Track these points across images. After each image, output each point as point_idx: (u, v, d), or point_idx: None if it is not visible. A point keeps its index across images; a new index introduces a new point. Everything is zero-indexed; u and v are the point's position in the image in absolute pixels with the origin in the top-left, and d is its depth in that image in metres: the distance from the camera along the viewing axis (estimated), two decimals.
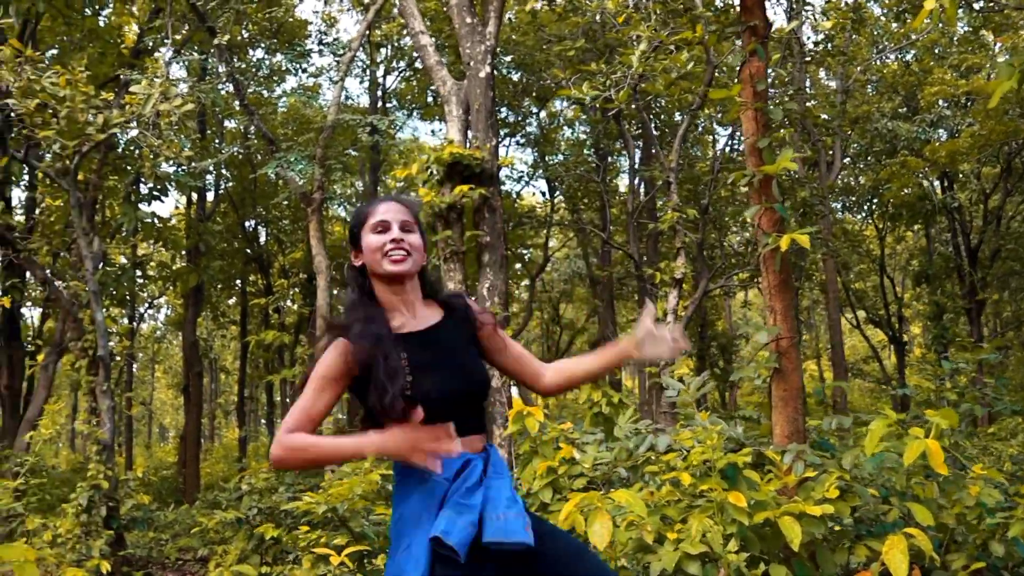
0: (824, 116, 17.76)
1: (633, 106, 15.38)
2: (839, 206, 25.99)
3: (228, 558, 9.47)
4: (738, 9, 6.47)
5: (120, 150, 13.80)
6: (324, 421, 3.01)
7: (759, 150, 6.00)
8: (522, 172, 24.73)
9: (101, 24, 17.80)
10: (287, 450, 2.77)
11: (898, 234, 27.88)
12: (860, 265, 28.27)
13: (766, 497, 5.36)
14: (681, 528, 5.13)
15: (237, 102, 13.90)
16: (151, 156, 9.63)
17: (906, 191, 22.25)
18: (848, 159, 22.83)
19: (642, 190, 20.30)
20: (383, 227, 2.99)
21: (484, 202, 10.59)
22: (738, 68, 6.18)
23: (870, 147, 21.71)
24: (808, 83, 22.16)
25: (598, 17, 12.30)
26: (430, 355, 2.95)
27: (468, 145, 10.93)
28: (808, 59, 15.84)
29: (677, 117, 18.74)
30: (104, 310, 10.06)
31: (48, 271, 11.05)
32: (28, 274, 13.09)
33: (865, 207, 26.18)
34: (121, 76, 11.61)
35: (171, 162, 11.72)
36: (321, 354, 2.93)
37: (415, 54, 13.85)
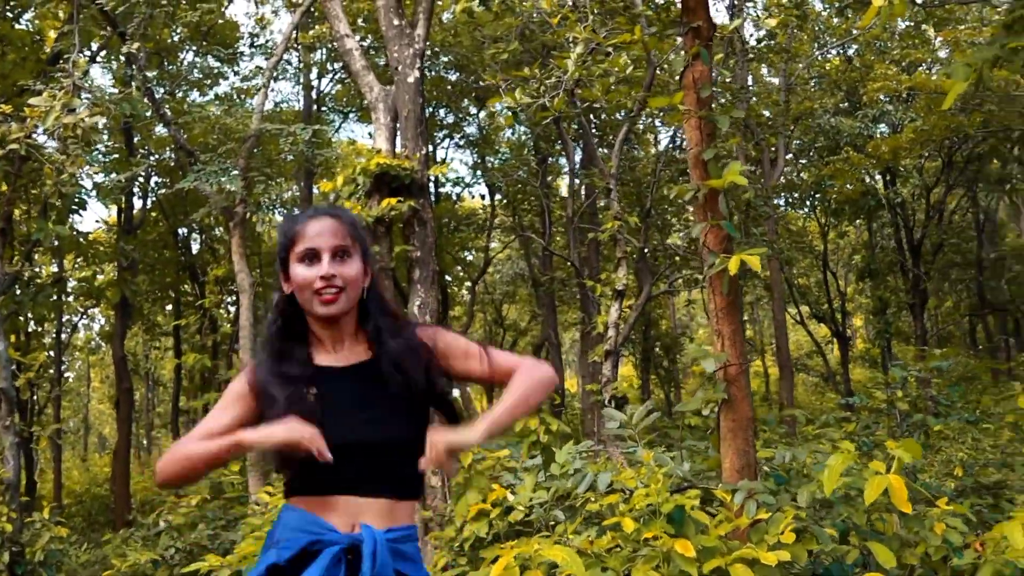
0: (766, 114, 17.43)
1: (574, 111, 14.93)
2: (782, 203, 25.81)
3: None
4: (679, 8, 6.01)
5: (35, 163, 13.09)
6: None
7: (704, 162, 5.54)
8: (461, 175, 24.30)
9: (21, 29, 17.01)
10: (164, 460, 2.52)
11: (841, 229, 27.81)
12: (804, 261, 28.12)
13: (716, 543, 4.92)
14: None
15: (153, 112, 13.17)
16: (54, 173, 8.98)
17: (849, 187, 22.07)
18: (791, 155, 22.61)
19: (583, 193, 19.82)
20: (313, 256, 2.55)
21: (414, 215, 9.98)
22: (679, 72, 5.69)
23: (813, 143, 21.51)
24: (751, 81, 21.90)
25: (534, 16, 11.75)
26: (342, 396, 2.56)
27: (397, 154, 10.36)
28: (751, 57, 15.47)
29: (619, 116, 18.25)
30: (6, 341, 9.43)
31: None
32: None
33: (808, 203, 26.04)
34: (27, 86, 10.88)
35: (85, 176, 11.05)
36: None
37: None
